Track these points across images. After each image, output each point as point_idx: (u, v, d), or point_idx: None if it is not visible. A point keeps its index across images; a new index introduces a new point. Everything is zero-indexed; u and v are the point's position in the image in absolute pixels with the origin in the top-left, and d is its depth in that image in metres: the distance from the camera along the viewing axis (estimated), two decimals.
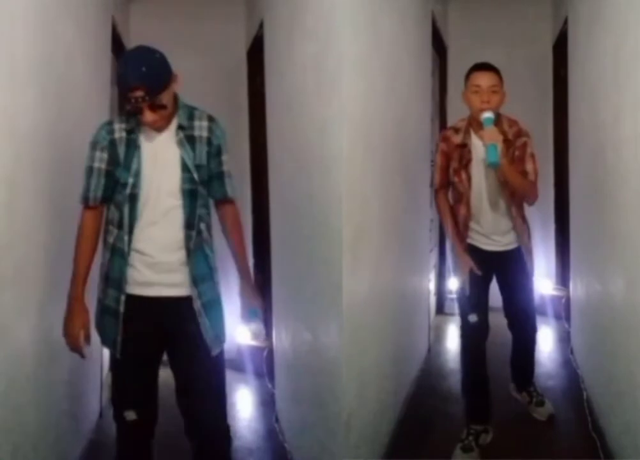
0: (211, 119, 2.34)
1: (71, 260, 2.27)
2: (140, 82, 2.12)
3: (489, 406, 3.11)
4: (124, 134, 2.26)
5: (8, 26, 2.05)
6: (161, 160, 2.27)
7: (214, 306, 2.34)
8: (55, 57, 2.56)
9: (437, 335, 4.80)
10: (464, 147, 2.99)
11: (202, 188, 2.30)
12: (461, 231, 3.08)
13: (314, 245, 2.68)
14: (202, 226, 2.31)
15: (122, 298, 2.26)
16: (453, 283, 5.34)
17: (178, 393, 2.36)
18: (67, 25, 2.75)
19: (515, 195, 3.00)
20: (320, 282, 2.59)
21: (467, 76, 2.98)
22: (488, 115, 2.88)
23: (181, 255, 2.28)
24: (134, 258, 2.26)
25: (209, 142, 2.31)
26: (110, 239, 2.29)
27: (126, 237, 2.25)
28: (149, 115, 2.17)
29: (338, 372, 2.42)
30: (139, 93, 2.12)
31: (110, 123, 2.32)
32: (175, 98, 2.27)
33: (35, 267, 2.33)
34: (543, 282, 5.01)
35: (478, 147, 2.94)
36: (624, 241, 2.65)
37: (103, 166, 2.26)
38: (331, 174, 2.44)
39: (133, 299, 2.28)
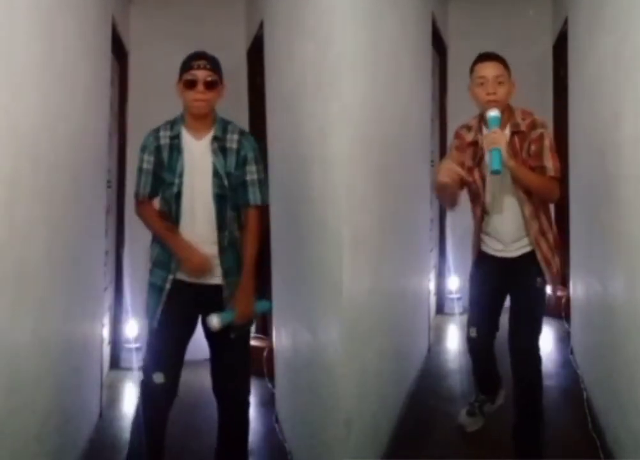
0: (242, 133, 2.69)
1: (71, 260, 2.26)
2: (204, 54, 2.60)
3: (495, 384, 3.21)
4: (168, 141, 2.63)
5: (8, 26, 2.04)
6: (197, 165, 2.62)
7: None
8: (55, 57, 2.56)
9: (437, 335, 4.80)
10: (476, 145, 2.82)
11: (232, 193, 2.63)
12: (475, 233, 2.93)
13: (314, 245, 2.68)
14: (234, 227, 2.66)
15: (170, 277, 2.65)
16: (453, 283, 5.38)
17: (212, 366, 2.75)
18: (67, 25, 2.74)
19: (533, 196, 2.77)
20: (320, 282, 2.59)
21: (472, 68, 2.82)
22: (493, 114, 2.69)
23: (213, 249, 2.64)
24: None
25: (237, 153, 2.64)
26: None
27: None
28: (199, 90, 2.54)
29: (338, 372, 2.43)
30: (201, 62, 2.56)
31: (157, 130, 2.67)
32: (214, 112, 2.65)
33: (35, 267, 2.32)
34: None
35: None
36: (624, 241, 2.65)
37: (150, 167, 2.65)
38: (331, 174, 2.44)
39: (175, 282, 2.66)
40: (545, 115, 5.10)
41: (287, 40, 3.11)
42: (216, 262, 2.65)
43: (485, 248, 2.93)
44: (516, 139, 2.74)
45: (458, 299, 5.34)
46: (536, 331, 2.89)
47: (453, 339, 4.87)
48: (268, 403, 3.69)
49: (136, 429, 2.72)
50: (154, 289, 2.70)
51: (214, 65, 2.60)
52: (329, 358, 2.52)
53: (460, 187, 2.83)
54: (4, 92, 2.02)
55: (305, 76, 2.76)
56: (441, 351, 4.50)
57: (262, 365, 3.95)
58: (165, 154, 2.62)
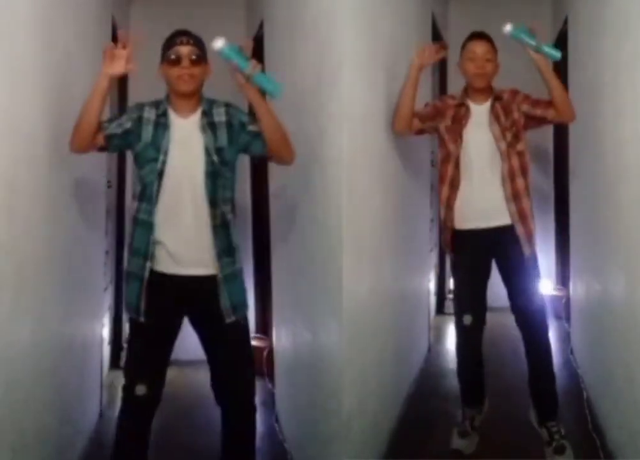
0: (227, 104, 2.53)
1: (71, 259, 2.24)
2: (186, 31, 2.46)
3: (483, 391, 3.10)
4: (153, 116, 2.46)
5: (8, 26, 2.05)
6: (186, 144, 2.45)
7: (232, 280, 2.48)
8: (55, 57, 2.56)
9: (437, 335, 4.79)
10: (461, 105, 2.98)
11: (224, 170, 2.46)
12: (449, 196, 2.95)
13: (314, 245, 2.68)
14: (225, 207, 2.47)
15: (148, 264, 2.41)
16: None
17: (210, 364, 2.54)
18: (67, 24, 2.75)
19: (514, 156, 2.90)
20: (320, 282, 2.59)
21: (463, 45, 3.04)
22: (510, 27, 3.04)
23: (206, 231, 2.43)
24: (162, 233, 2.42)
25: (229, 124, 2.48)
26: (134, 213, 2.47)
27: (151, 209, 2.41)
28: (184, 66, 2.40)
29: (338, 372, 2.43)
30: (184, 38, 2.43)
31: (141, 105, 2.52)
32: (201, 93, 2.51)
33: (35, 267, 2.33)
34: (542, 282, 5.00)
35: (474, 109, 2.96)
36: (624, 241, 2.65)
37: (128, 126, 2.45)
38: (331, 174, 2.44)
39: (158, 275, 2.43)
40: None
41: (287, 40, 3.11)
42: (206, 244, 2.44)
43: (464, 224, 2.95)
44: (498, 106, 2.95)
45: None
46: (538, 294, 2.99)
47: (453, 339, 4.86)
48: (268, 403, 3.69)
49: (118, 441, 2.50)
50: (133, 278, 2.46)
51: (198, 42, 2.46)
52: (329, 358, 2.52)
53: (416, 130, 3.03)
54: (3, 92, 2.02)
55: (305, 76, 2.76)
56: (441, 351, 4.50)
57: (262, 365, 3.96)
58: (148, 129, 2.45)
